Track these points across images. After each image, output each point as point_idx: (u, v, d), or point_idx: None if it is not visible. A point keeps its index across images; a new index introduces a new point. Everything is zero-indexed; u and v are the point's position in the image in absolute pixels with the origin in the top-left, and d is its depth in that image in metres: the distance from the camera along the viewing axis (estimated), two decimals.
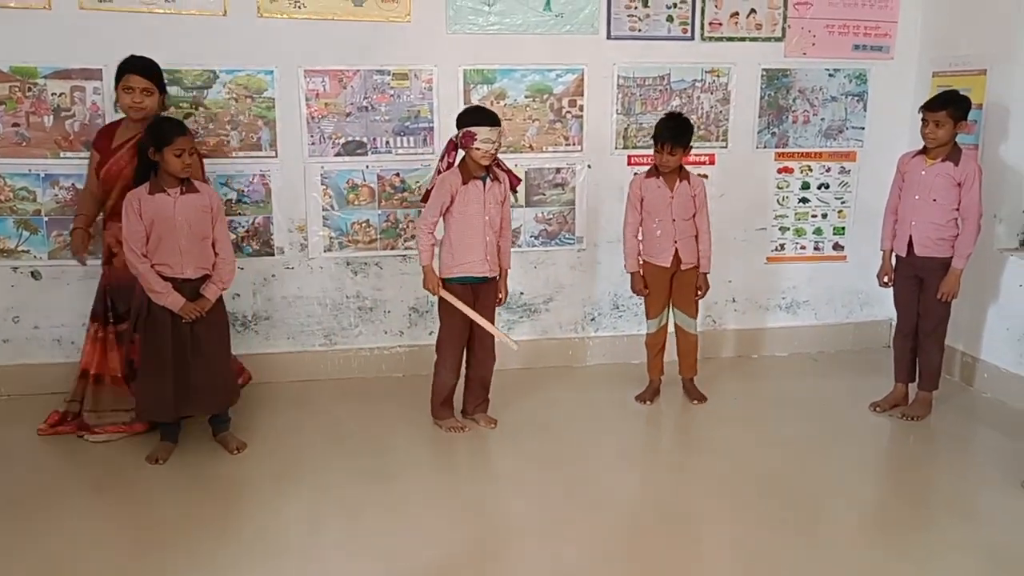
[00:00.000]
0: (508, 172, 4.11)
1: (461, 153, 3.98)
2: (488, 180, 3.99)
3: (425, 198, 4.10)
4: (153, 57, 4.23)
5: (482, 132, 3.83)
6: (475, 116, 3.91)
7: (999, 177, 4.58)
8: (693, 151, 4.49)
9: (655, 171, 4.37)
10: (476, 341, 4.15)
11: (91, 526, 3.32)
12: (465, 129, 3.88)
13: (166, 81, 4.44)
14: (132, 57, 3.99)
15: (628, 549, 3.20)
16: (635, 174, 4.93)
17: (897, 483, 3.87)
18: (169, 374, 3.72)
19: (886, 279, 4.48)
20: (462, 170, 3.96)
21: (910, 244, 4.28)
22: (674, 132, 4.22)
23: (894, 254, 4.42)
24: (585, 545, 3.19)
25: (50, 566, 3.03)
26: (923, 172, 4.23)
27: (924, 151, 4.24)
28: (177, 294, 3.68)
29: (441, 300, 4.07)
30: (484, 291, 4.09)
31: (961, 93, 4.19)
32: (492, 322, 4.17)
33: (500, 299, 4.20)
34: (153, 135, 3.65)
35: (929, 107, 4.15)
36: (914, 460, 4.08)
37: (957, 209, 4.16)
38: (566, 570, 3.04)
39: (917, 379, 4.44)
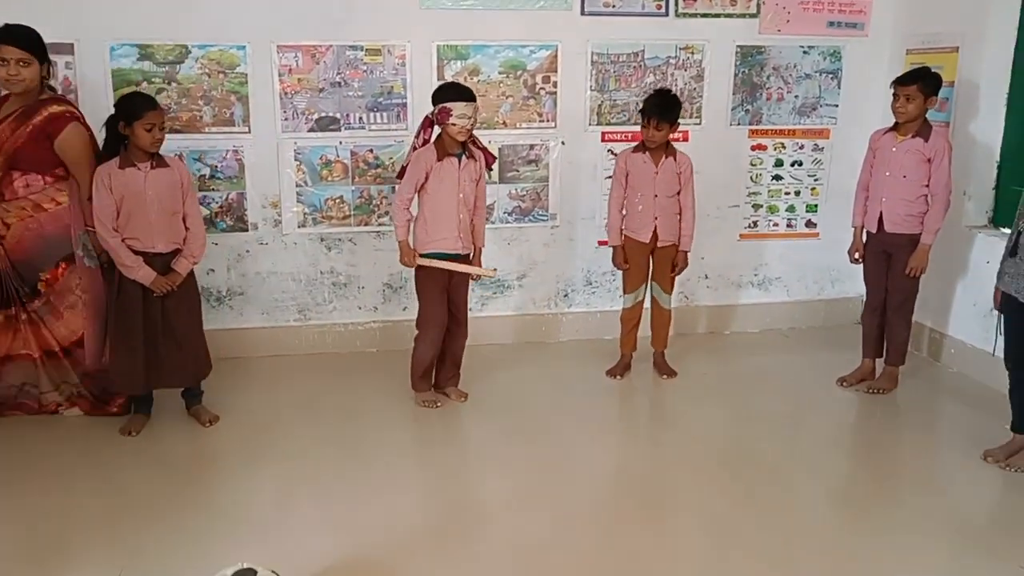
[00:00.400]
0: (483, 150, 4.12)
1: (437, 130, 3.98)
2: (463, 158, 3.98)
3: (401, 175, 4.11)
4: (123, 31, 4.23)
5: (457, 108, 3.83)
6: (450, 92, 3.91)
7: (969, 154, 4.61)
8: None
9: (642, 146, 4.39)
10: (450, 317, 4.17)
11: (64, 497, 3.34)
12: (440, 105, 3.87)
13: (138, 56, 4.46)
14: (5, 26, 3.68)
15: (596, 521, 3.24)
16: (609, 151, 4.99)
17: (862, 455, 3.93)
18: (140, 347, 3.75)
19: (857, 256, 4.52)
20: (437, 147, 3.95)
21: (880, 220, 4.32)
22: (661, 107, 4.24)
23: (864, 230, 4.46)
24: (554, 517, 3.23)
25: (22, 536, 3.07)
26: (894, 148, 4.26)
27: (895, 128, 4.28)
28: (148, 268, 3.70)
29: (419, 278, 4.08)
30: None
31: (932, 70, 4.22)
32: (465, 301, 4.20)
33: (474, 276, 4.21)
34: (123, 109, 3.66)
35: (900, 81, 4.18)
36: (880, 433, 4.13)
37: (927, 185, 4.20)
38: (534, 542, 3.07)
39: (884, 354, 4.50)
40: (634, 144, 4.49)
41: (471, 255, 4.15)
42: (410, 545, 3.04)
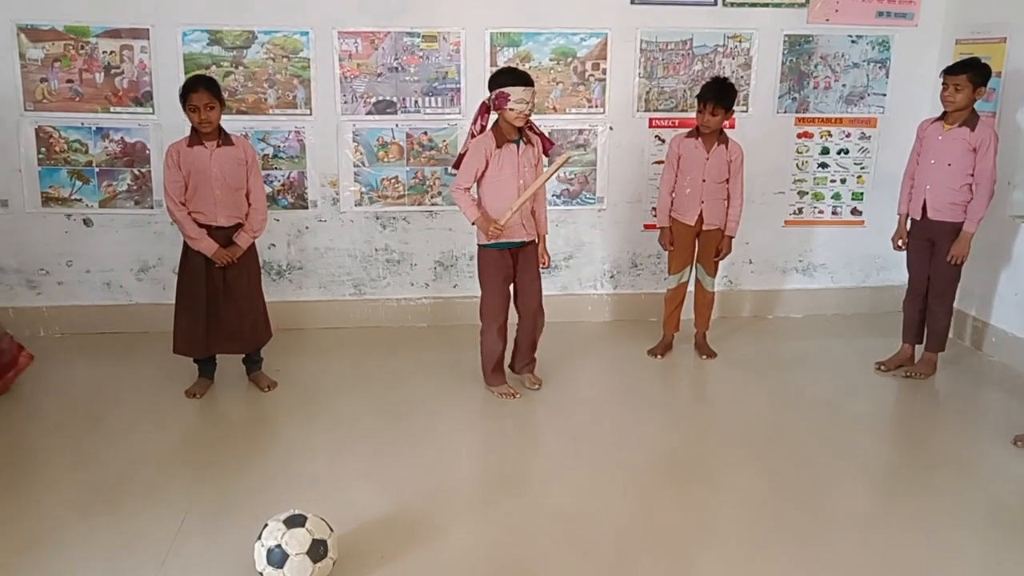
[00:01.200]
0: (541, 135, 4.07)
1: (493, 117, 3.94)
2: (521, 143, 3.93)
3: (457, 164, 4.03)
4: (194, 17, 4.43)
5: (516, 92, 3.77)
6: (508, 77, 3.85)
7: (1015, 145, 4.61)
8: None
9: (695, 132, 4.51)
10: (520, 301, 4.15)
11: (132, 449, 3.61)
12: (498, 90, 3.81)
13: (208, 40, 4.73)
14: None
15: (631, 493, 3.36)
16: (656, 137, 5.10)
17: (897, 439, 4.01)
18: (201, 314, 4.00)
19: (900, 242, 4.58)
20: (495, 133, 3.90)
21: (924, 208, 4.37)
22: (718, 93, 4.35)
23: (909, 218, 4.51)
24: (590, 486, 3.39)
25: (95, 481, 3.34)
26: (940, 137, 4.31)
27: (943, 117, 4.32)
28: (211, 240, 3.94)
29: (481, 266, 4.06)
30: (523, 255, 4.08)
31: (983, 61, 4.25)
32: (539, 285, 4.14)
33: (544, 264, 4.17)
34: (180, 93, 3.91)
35: (950, 71, 4.23)
36: (915, 418, 4.20)
37: (972, 175, 4.24)
38: (569, 507, 3.22)
39: (924, 341, 4.54)
40: (687, 130, 4.61)
41: (536, 242, 4.11)
42: (450, 502, 3.23)
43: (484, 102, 3.95)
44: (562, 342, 4.94)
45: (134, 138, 4.83)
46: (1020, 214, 4.65)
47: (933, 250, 4.40)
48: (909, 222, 4.52)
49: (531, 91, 3.84)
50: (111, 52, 4.72)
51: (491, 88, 3.89)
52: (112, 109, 4.78)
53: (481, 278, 4.11)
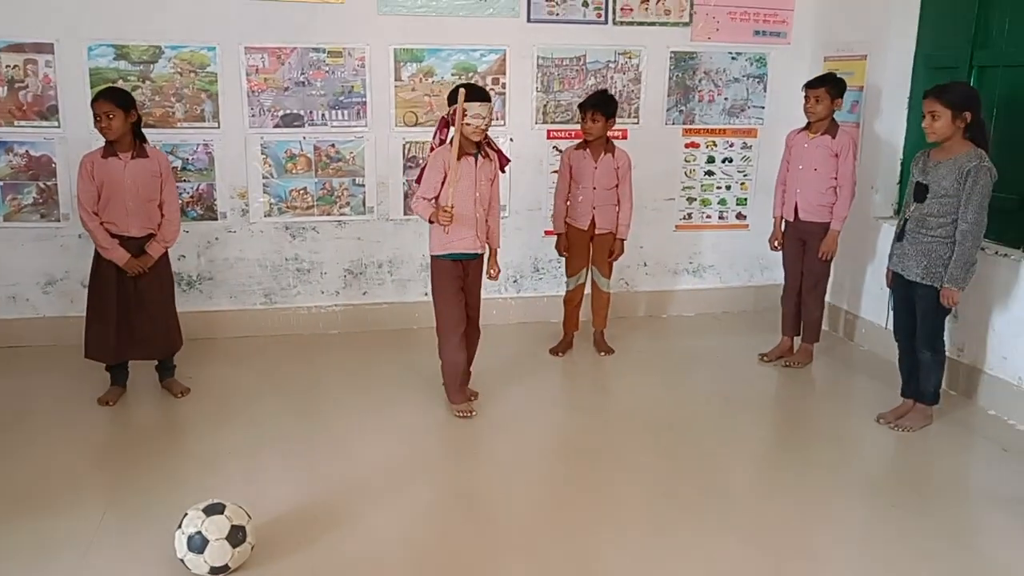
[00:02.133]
0: (498, 151, 4.14)
1: (452, 132, 3.95)
2: (479, 157, 4.00)
3: (419, 178, 4.04)
4: (100, 33, 4.47)
5: (472, 108, 3.84)
6: (465, 93, 3.88)
7: (876, 151, 5.08)
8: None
9: (584, 144, 4.82)
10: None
11: (47, 455, 3.67)
12: (455, 106, 3.87)
13: (114, 55, 4.80)
14: None
15: (536, 476, 3.63)
16: (554, 148, 5.39)
17: (778, 420, 4.39)
18: (112, 322, 4.07)
19: (776, 243, 4.98)
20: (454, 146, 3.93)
21: (796, 210, 4.78)
22: (597, 101, 4.70)
23: (783, 220, 4.91)
24: (497, 473, 3.62)
25: (9, 487, 3.38)
26: (806, 145, 4.73)
27: (807, 127, 4.74)
28: (122, 250, 4.02)
29: (434, 277, 4.08)
30: (473, 268, 4.13)
31: (838, 75, 4.70)
32: (479, 296, 4.22)
33: (492, 275, 4.22)
34: None
35: (810, 85, 4.67)
36: (794, 402, 4.59)
37: (835, 178, 4.66)
38: (478, 493, 3.45)
39: (801, 333, 4.94)
40: (578, 141, 4.91)
41: (487, 255, 4.18)
42: (364, 492, 3.40)
43: (443, 117, 4.02)
44: None
45: (39, 152, 4.85)
46: (882, 215, 5.11)
47: (805, 248, 4.81)
48: (783, 224, 4.92)
49: (488, 106, 3.92)
50: (14, 66, 4.74)
51: (449, 103, 3.97)
52: (16, 123, 4.80)
53: (435, 290, 4.12)
